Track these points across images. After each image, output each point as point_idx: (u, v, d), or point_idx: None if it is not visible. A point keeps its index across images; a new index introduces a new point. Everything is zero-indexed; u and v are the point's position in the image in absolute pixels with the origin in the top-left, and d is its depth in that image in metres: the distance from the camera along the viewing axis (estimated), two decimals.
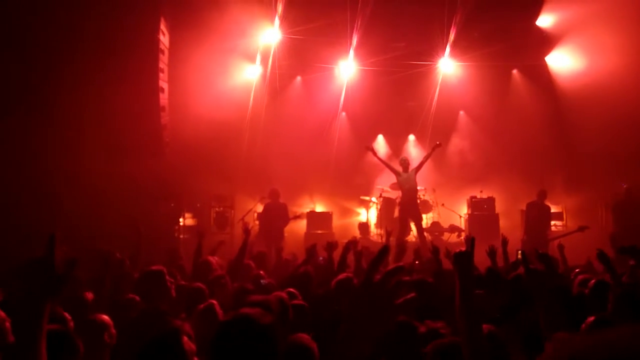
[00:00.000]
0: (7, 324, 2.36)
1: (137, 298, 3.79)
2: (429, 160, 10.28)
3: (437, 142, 10.11)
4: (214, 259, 5.35)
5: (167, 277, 3.70)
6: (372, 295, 1.56)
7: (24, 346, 1.70)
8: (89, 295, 3.88)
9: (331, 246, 5.31)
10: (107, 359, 2.96)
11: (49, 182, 7.49)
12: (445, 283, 4.05)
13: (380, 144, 13.83)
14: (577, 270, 4.96)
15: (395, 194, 11.69)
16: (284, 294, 3.53)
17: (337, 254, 5.18)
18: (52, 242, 1.80)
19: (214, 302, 3.33)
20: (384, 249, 2.36)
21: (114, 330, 3.02)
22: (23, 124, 7.35)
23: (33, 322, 1.69)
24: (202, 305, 3.29)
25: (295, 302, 3.58)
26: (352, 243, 5.61)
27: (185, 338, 2.23)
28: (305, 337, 2.60)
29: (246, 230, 5.50)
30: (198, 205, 11.67)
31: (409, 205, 10.08)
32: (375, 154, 10.38)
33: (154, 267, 3.67)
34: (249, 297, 3.04)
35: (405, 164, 10.10)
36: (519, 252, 7.21)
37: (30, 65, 7.54)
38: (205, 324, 3.09)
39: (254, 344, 1.68)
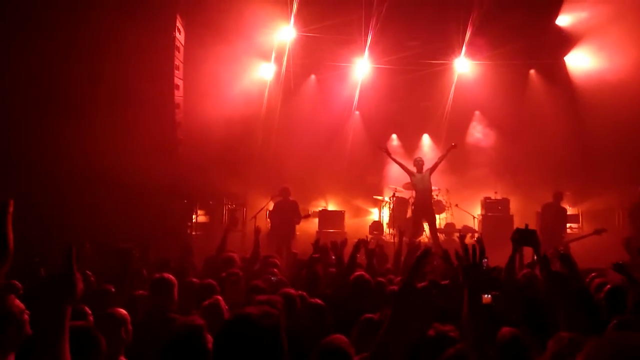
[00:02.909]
0: (26, 316, 2.37)
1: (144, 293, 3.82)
2: (443, 161, 10.18)
3: (453, 144, 10.00)
4: (236, 255, 5.39)
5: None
6: (413, 300, 1.54)
7: (48, 348, 1.75)
8: (111, 289, 3.92)
9: (336, 246, 5.16)
10: (122, 354, 2.96)
11: (65, 179, 7.57)
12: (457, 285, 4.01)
13: (394, 143, 13.76)
14: (593, 274, 4.86)
15: (408, 194, 11.62)
16: (291, 291, 3.52)
17: (346, 252, 5.11)
18: (71, 255, 1.85)
19: (219, 298, 3.33)
20: (424, 253, 2.27)
21: (130, 327, 3.02)
22: (38, 118, 7.44)
23: (56, 326, 1.77)
24: (206, 302, 3.29)
25: (314, 301, 3.57)
26: (362, 242, 5.57)
27: (209, 336, 2.23)
28: (342, 340, 2.56)
29: (257, 230, 5.47)
30: (211, 202, 11.71)
31: (422, 206, 9.99)
32: (389, 154, 10.31)
33: (165, 275, 3.71)
34: (256, 297, 3.03)
35: (419, 164, 10.01)
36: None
37: (46, 61, 7.62)
38: (210, 320, 3.09)
39: (254, 344, 1.62)
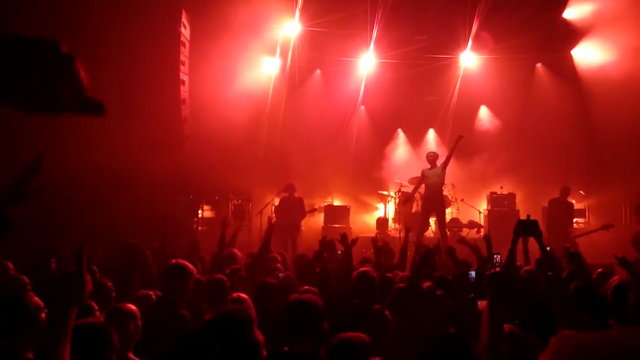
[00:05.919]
0: (43, 315, 2.37)
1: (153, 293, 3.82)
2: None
3: (460, 135, 9.91)
4: (237, 252, 5.38)
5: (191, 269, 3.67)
6: (417, 299, 1.58)
7: (50, 347, 1.76)
8: (109, 284, 3.93)
9: (345, 238, 5.10)
10: (130, 350, 2.96)
11: (72, 175, 7.61)
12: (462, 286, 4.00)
13: (400, 138, 13.75)
14: (599, 270, 4.84)
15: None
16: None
17: (355, 249, 5.08)
18: (82, 256, 1.86)
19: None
20: (426, 254, 2.36)
21: (139, 322, 2.98)
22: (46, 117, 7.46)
23: (60, 327, 1.78)
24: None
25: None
26: (374, 240, 5.61)
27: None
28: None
29: (271, 225, 5.37)
30: (216, 197, 11.74)
31: (431, 200, 9.92)
32: (411, 199, 10.63)
33: (180, 260, 3.69)
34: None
35: (432, 158, 9.91)
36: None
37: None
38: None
39: (234, 336, 1.99)
